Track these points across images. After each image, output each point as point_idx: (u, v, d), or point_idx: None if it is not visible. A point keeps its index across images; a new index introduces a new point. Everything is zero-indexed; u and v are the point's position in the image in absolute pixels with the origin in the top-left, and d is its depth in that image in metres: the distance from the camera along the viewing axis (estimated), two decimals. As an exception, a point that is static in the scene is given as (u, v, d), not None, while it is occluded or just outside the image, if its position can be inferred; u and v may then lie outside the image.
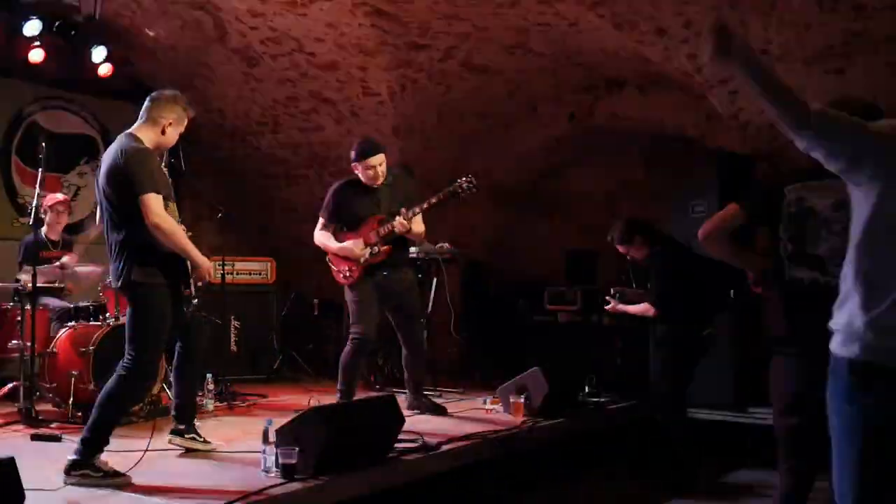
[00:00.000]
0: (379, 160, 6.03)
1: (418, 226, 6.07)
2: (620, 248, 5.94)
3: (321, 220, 6.24)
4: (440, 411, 6.30)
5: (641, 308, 5.86)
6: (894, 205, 2.39)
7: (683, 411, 5.93)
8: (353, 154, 6.12)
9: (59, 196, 7.13)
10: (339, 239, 6.16)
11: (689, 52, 6.51)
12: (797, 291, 3.68)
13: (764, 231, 4.03)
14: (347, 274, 6.11)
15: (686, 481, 5.71)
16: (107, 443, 4.28)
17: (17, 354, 6.09)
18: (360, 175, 6.11)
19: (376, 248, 6.04)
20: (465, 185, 6.01)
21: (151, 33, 8.03)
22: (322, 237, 6.22)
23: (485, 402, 6.58)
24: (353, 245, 6.05)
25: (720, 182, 6.88)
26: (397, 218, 5.94)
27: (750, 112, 6.81)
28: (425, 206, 5.99)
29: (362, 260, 6.03)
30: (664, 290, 5.75)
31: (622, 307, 6.01)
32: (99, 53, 7.97)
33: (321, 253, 6.32)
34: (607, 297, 6.09)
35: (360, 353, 6.18)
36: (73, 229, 7.62)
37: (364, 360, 6.43)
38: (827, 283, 3.49)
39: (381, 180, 6.07)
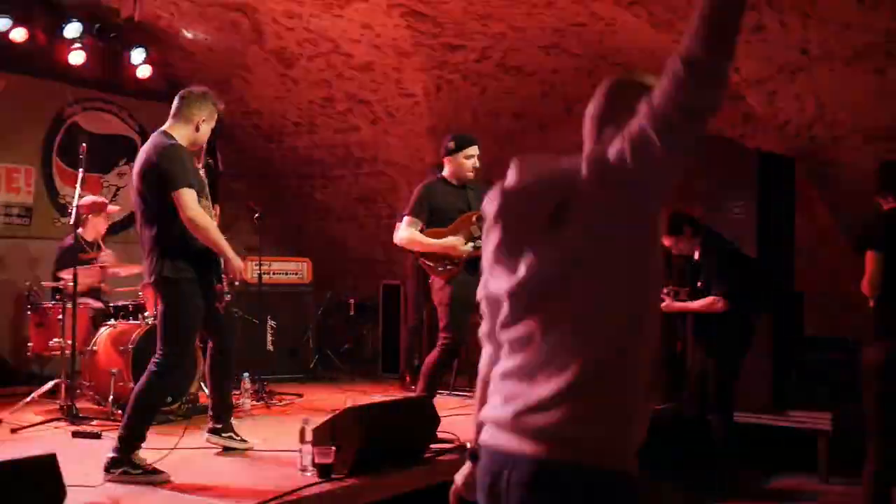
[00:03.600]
0: (476, 150, 5.84)
1: None
2: (667, 241, 5.84)
3: (407, 218, 5.84)
4: None
5: (705, 303, 5.71)
6: None
7: (732, 411, 5.88)
8: (449, 146, 5.87)
9: (105, 201, 7.21)
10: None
11: (727, 52, 6.45)
12: None
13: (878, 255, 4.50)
14: (449, 267, 5.83)
15: (729, 486, 5.65)
16: (143, 439, 4.33)
17: (58, 352, 6.18)
18: (453, 168, 5.88)
19: (480, 242, 5.89)
20: None
21: (189, 35, 8.10)
22: (412, 234, 5.81)
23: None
24: (455, 241, 5.77)
25: (759, 183, 6.80)
26: None
27: (789, 112, 6.75)
28: None
29: (466, 253, 5.77)
30: (732, 282, 5.66)
31: (679, 304, 5.91)
32: (138, 55, 8.06)
33: (358, 253, 6.28)
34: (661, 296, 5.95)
35: (449, 359, 5.91)
36: (114, 228, 7.68)
37: (450, 366, 6.16)
38: None
39: (473, 174, 5.95)
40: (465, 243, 5.85)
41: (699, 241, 5.83)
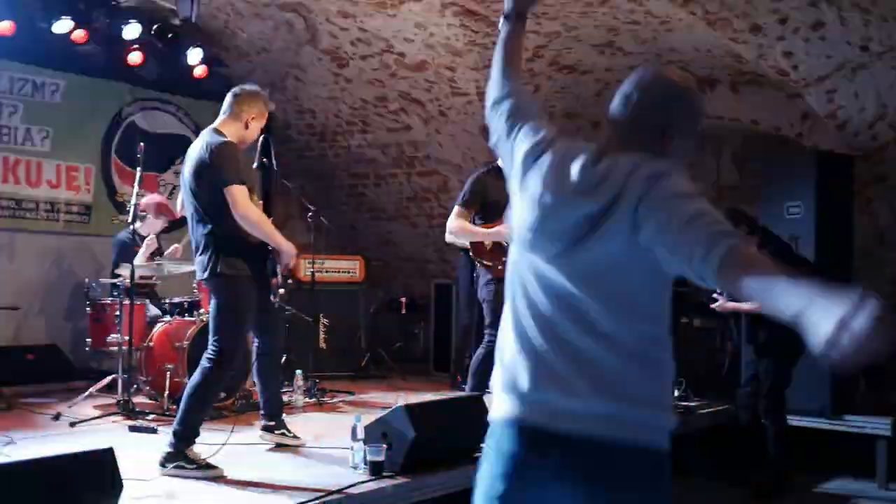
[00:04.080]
0: None
1: None
2: None
3: (458, 209, 5.69)
4: None
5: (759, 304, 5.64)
6: None
7: (785, 414, 5.79)
8: None
9: (164, 200, 7.32)
10: None
11: (785, 50, 6.36)
12: None
13: None
14: (501, 266, 5.51)
15: (778, 489, 5.56)
16: (197, 434, 4.37)
17: (115, 348, 6.28)
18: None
19: None
20: None
21: (245, 35, 8.19)
22: (463, 224, 5.65)
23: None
24: (505, 229, 5.42)
25: (818, 183, 6.68)
26: None
27: (849, 111, 6.62)
28: None
29: None
30: None
31: (732, 304, 5.82)
32: (194, 55, 8.16)
33: (410, 252, 6.27)
34: (714, 296, 5.86)
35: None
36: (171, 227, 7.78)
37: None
38: None
39: None
40: None
41: (756, 240, 5.74)
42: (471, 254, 5.81)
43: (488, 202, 5.69)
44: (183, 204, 4.72)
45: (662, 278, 1.97)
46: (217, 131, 4.61)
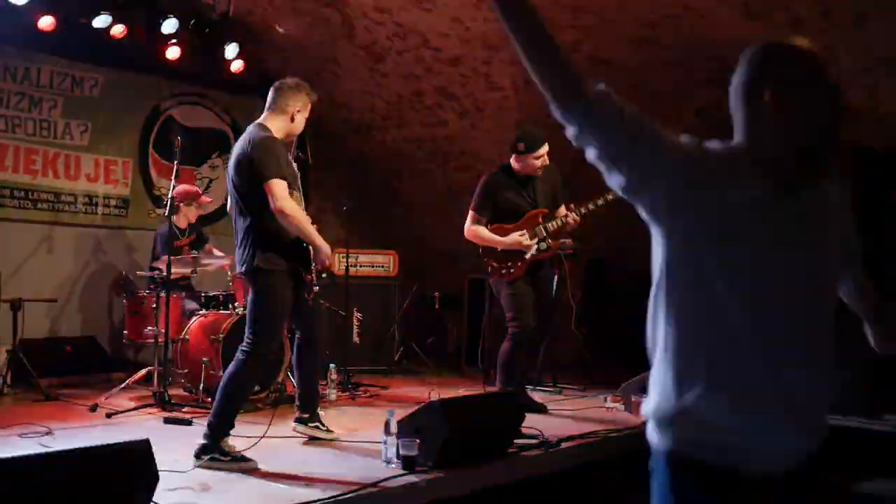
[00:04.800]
0: (546, 149, 5.82)
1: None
2: None
3: (472, 213, 5.94)
4: (539, 409, 6.02)
5: None
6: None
7: None
8: (518, 147, 5.85)
9: (199, 191, 7.39)
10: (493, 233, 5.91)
11: (827, 44, 6.25)
12: None
13: None
14: (512, 270, 5.83)
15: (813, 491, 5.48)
16: (232, 426, 4.41)
17: (152, 340, 6.34)
18: (520, 166, 5.90)
19: (544, 244, 5.85)
20: None
21: (281, 30, 8.21)
22: (478, 230, 5.90)
23: (605, 401, 6.47)
24: (522, 239, 5.78)
25: (855, 178, 6.57)
26: (570, 215, 5.77)
27: (891, 105, 6.51)
28: (600, 202, 5.69)
29: (529, 255, 5.78)
30: None
31: None
32: (231, 50, 8.20)
33: (444, 247, 6.29)
34: None
35: (520, 347, 5.83)
36: (206, 220, 7.85)
37: (524, 354, 5.95)
38: None
39: (541, 171, 5.91)
40: (531, 242, 5.77)
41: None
42: (485, 259, 5.96)
43: (499, 204, 5.80)
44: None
45: None
46: (261, 126, 4.65)
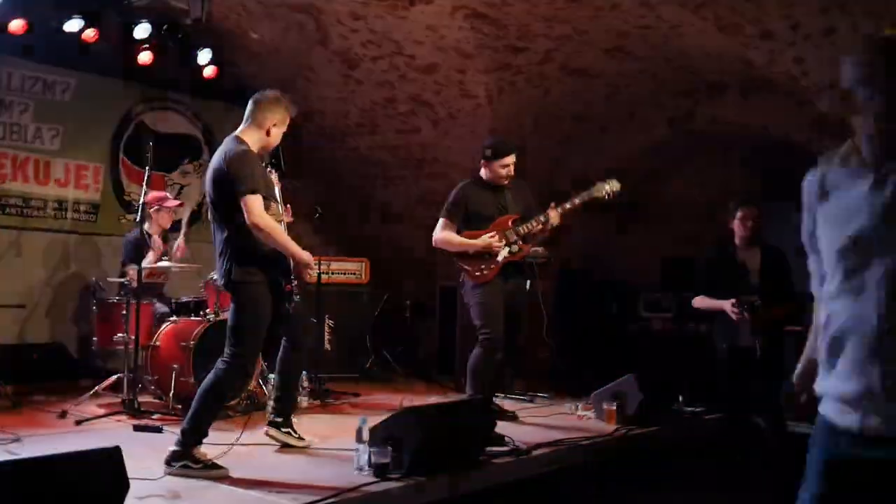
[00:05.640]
0: (512, 159, 5.96)
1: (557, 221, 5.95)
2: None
3: (443, 220, 6.04)
4: (510, 417, 6.13)
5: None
6: None
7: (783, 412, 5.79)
8: (486, 152, 5.99)
9: (167, 195, 7.33)
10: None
11: (796, 56, 6.34)
12: None
13: None
14: (485, 272, 5.88)
15: (783, 498, 5.52)
16: (205, 434, 4.39)
17: (122, 347, 6.28)
18: (488, 174, 6.01)
19: (516, 247, 5.89)
20: (608, 190, 5.90)
21: (256, 36, 8.19)
22: (448, 235, 6.00)
23: (576, 409, 6.50)
24: (492, 241, 5.85)
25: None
26: (550, 213, 5.83)
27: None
28: (577, 202, 5.86)
29: (501, 258, 5.84)
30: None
31: (708, 303, 5.90)
32: (204, 56, 8.15)
33: (416, 255, 6.31)
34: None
35: (491, 354, 5.84)
36: (175, 226, 7.80)
37: (494, 362, 5.92)
38: None
39: (508, 180, 6.01)
40: (502, 245, 5.85)
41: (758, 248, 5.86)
42: (457, 263, 6.02)
43: (471, 212, 5.89)
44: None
45: None
46: (238, 139, 4.63)
